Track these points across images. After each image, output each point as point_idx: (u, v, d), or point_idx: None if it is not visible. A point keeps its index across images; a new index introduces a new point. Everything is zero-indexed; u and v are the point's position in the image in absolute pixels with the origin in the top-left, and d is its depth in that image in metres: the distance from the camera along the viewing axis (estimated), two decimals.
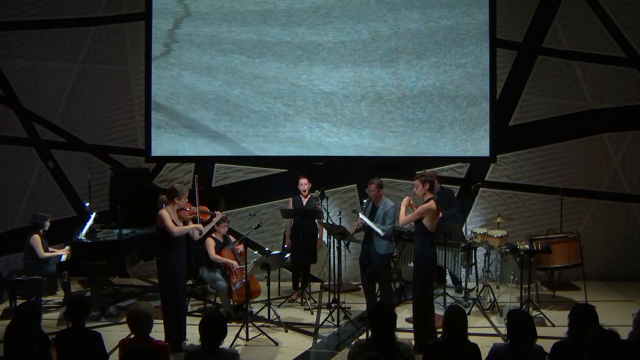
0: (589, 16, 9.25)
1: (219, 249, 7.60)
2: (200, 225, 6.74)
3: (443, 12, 9.28)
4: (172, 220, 6.39)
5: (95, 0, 9.58)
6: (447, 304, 7.36)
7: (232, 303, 7.55)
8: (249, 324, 6.83)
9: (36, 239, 7.83)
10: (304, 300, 8.13)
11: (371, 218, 7.20)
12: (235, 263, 7.53)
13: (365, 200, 7.37)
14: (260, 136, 9.49)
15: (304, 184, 8.34)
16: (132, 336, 4.57)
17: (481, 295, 8.02)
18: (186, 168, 9.71)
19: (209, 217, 7.15)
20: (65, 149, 9.72)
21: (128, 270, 9.00)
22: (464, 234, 8.31)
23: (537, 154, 9.44)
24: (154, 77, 9.52)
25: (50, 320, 7.37)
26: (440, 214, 8.19)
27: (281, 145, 9.48)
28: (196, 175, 7.32)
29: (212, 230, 7.47)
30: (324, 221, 8.03)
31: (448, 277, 8.61)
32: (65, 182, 9.72)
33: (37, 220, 7.99)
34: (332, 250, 7.62)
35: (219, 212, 7.35)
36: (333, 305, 7.60)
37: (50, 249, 8.03)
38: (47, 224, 8.05)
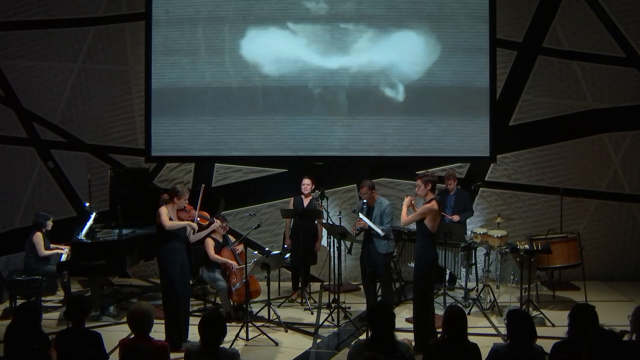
0: (589, 16, 9.25)
1: (218, 249, 7.60)
2: (194, 224, 6.69)
3: (442, 11, 9.28)
4: (170, 219, 6.41)
5: (95, 0, 9.57)
6: (447, 304, 7.35)
7: (232, 303, 7.54)
8: (249, 324, 6.83)
9: (38, 237, 7.86)
10: (304, 300, 8.12)
11: (368, 219, 7.24)
12: (234, 263, 7.53)
13: (365, 200, 7.38)
14: (260, 136, 9.49)
15: (307, 184, 8.33)
16: (132, 336, 4.57)
17: (481, 295, 8.02)
18: (186, 168, 9.71)
19: (207, 222, 7.18)
20: (65, 149, 9.72)
21: (128, 270, 9.01)
22: (464, 234, 8.32)
23: (537, 154, 9.44)
24: (154, 77, 9.51)
25: (50, 320, 7.37)
26: (458, 218, 8.28)
27: (281, 145, 9.48)
28: (203, 185, 7.31)
29: (212, 230, 7.47)
30: (324, 221, 8.02)
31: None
32: (65, 182, 9.71)
33: (38, 220, 8.03)
34: (332, 250, 7.62)
35: (218, 221, 7.38)
36: (333, 305, 7.60)
37: (52, 245, 8.04)
38: (49, 223, 8.08)
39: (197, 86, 9.49)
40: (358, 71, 9.35)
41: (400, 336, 5.80)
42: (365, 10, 9.33)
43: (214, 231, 7.56)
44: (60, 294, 8.34)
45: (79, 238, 7.67)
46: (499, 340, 6.62)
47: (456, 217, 8.36)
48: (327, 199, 8.49)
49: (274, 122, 9.47)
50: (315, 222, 8.27)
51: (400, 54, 9.32)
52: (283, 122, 9.46)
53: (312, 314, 7.85)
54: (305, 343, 6.82)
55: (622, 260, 9.42)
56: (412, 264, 7.46)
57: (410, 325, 6.69)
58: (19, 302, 7.40)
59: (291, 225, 8.36)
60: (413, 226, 6.78)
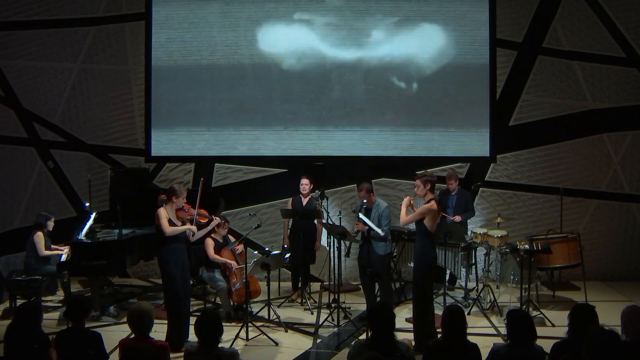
0: (589, 16, 9.25)
1: (218, 249, 7.60)
2: (193, 227, 6.68)
3: (442, 11, 9.28)
4: (170, 220, 6.42)
5: (95, 0, 9.57)
6: (447, 304, 7.35)
7: (232, 303, 7.55)
8: (249, 324, 6.83)
9: (39, 236, 7.87)
10: (304, 300, 8.13)
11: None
12: (233, 263, 7.53)
13: (365, 200, 7.39)
14: (260, 136, 9.48)
15: (305, 184, 8.33)
16: (132, 336, 4.57)
17: (481, 295, 8.02)
18: (186, 168, 9.71)
19: (206, 220, 7.18)
20: (65, 149, 9.72)
21: (128, 270, 9.01)
22: (465, 234, 8.32)
23: (537, 154, 9.44)
24: (154, 77, 9.51)
25: (50, 320, 7.37)
26: (460, 218, 8.29)
27: (281, 145, 9.47)
28: (202, 179, 7.32)
29: (212, 231, 7.47)
30: (324, 221, 8.03)
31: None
32: (65, 182, 9.71)
33: (39, 220, 8.05)
34: (332, 250, 7.62)
35: (217, 218, 7.38)
36: (333, 305, 7.60)
37: (52, 246, 8.05)
38: (51, 224, 8.10)
39: (198, 86, 9.48)
40: (358, 67, 9.35)
41: (400, 336, 5.79)
42: (375, 3, 9.33)
43: (214, 231, 7.56)
44: (60, 294, 8.34)
45: (79, 238, 7.67)
46: (499, 340, 6.62)
47: (457, 218, 8.37)
48: (327, 199, 8.49)
49: (274, 122, 9.45)
50: (315, 221, 8.27)
51: (398, 52, 9.31)
52: (283, 122, 9.45)
53: (312, 314, 7.85)
54: (305, 343, 6.82)
55: (622, 260, 9.42)
56: (412, 264, 7.46)
57: (410, 325, 6.69)
58: (19, 302, 7.39)
59: (290, 225, 8.36)
60: (413, 226, 6.79)
